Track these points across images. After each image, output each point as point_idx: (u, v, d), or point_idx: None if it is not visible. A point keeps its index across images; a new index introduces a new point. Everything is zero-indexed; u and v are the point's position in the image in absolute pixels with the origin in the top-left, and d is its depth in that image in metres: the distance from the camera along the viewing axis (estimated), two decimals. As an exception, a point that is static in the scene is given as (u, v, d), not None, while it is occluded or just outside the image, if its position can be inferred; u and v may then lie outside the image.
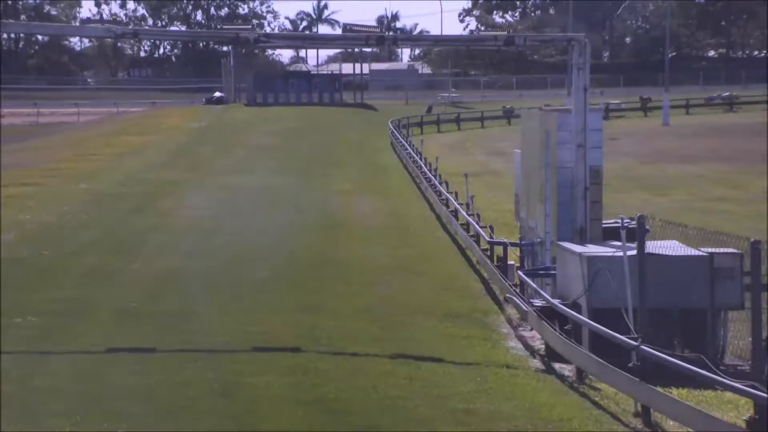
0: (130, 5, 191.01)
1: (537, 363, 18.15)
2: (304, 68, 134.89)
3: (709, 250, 18.11)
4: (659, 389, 14.12)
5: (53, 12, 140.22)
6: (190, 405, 14.15)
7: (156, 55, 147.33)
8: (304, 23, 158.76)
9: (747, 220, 34.47)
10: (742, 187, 43.98)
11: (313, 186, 42.93)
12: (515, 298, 21.01)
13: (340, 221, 33.37)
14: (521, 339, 20.09)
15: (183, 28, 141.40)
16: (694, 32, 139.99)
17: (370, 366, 16.56)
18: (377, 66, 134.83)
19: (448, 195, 35.17)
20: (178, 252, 26.96)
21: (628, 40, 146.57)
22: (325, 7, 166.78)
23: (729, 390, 13.05)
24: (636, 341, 14.79)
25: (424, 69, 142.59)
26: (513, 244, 25.59)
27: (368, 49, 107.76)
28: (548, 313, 18.64)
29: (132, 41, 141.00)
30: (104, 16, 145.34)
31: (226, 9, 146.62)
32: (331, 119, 78.43)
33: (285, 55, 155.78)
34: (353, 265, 26.18)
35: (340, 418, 13.80)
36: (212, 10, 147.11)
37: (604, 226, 21.20)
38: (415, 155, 50.14)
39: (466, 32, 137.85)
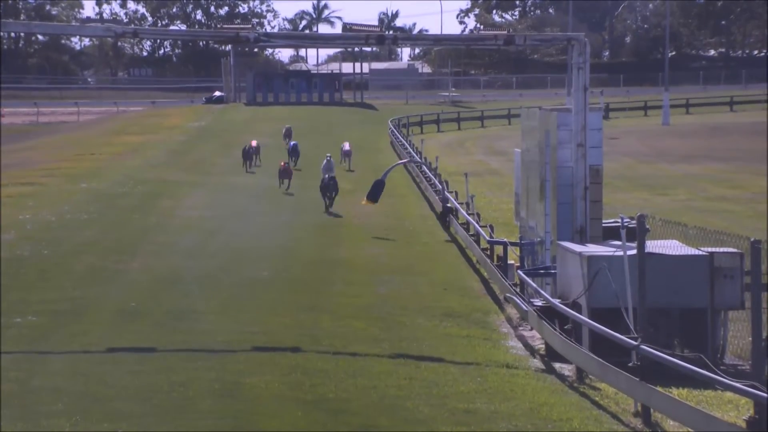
0: (131, 5, 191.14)
1: (537, 363, 18.16)
2: (304, 67, 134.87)
3: (709, 249, 18.11)
4: (659, 389, 14.12)
5: (53, 12, 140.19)
6: (190, 405, 14.15)
7: (156, 55, 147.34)
8: (304, 22, 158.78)
9: (747, 219, 34.50)
10: (742, 186, 43.99)
11: (313, 185, 42.93)
12: (515, 298, 21.02)
13: (340, 221, 33.36)
14: (521, 339, 20.10)
15: (183, 28, 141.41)
16: (694, 32, 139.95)
17: (370, 366, 16.56)
18: (377, 65, 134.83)
19: (448, 194, 35.16)
20: (178, 252, 26.97)
21: (628, 39, 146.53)
22: (326, 6, 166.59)
23: (729, 390, 13.04)
24: (636, 341, 14.79)
25: (424, 68, 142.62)
26: (513, 244, 25.60)
27: (368, 49, 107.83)
28: (548, 313, 18.65)
29: (132, 40, 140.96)
30: (105, 15, 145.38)
31: (226, 8, 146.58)
32: (330, 119, 78.44)
33: (285, 54, 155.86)
34: (353, 264, 26.18)
35: (339, 418, 13.81)
36: (212, 9, 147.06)
37: (604, 225, 21.21)
38: (415, 154, 50.14)
39: (465, 32, 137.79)
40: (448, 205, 34.16)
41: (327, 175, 36.04)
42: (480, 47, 76.67)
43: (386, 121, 71.40)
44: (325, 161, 38.47)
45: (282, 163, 41.12)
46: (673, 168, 51.84)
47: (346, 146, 50.88)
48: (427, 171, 43.17)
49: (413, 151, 51.72)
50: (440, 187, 36.48)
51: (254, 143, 48.73)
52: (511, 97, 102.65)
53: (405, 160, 46.82)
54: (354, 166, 50.16)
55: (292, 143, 50.01)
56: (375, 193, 34.15)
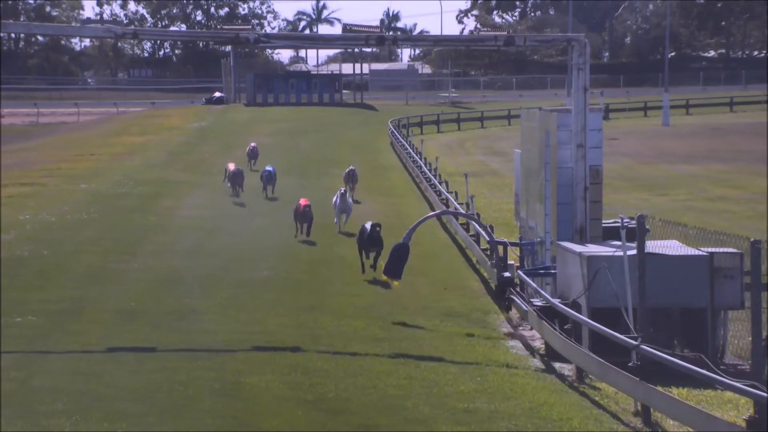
0: (131, 6, 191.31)
1: (537, 362, 18.17)
2: (304, 68, 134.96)
3: (709, 249, 18.13)
4: (659, 389, 14.13)
5: (54, 13, 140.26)
6: (190, 405, 14.15)
7: (156, 56, 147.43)
8: (303, 23, 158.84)
9: (747, 219, 34.50)
10: (742, 187, 44.00)
11: (313, 186, 42.92)
12: (515, 298, 21.02)
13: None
14: (521, 338, 20.10)
15: (183, 28, 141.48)
16: (694, 32, 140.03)
17: (370, 365, 16.57)
18: (377, 66, 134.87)
19: (448, 195, 35.17)
20: (177, 252, 26.97)
21: (628, 40, 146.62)
22: (324, 7, 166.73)
23: (729, 389, 13.05)
24: (636, 341, 14.80)
25: (424, 69, 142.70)
26: (513, 244, 25.60)
27: (368, 49, 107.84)
28: (548, 313, 18.66)
29: (132, 41, 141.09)
30: (105, 16, 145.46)
31: (226, 9, 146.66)
32: (331, 119, 78.45)
33: (285, 55, 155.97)
34: (353, 264, 26.16)
35: (339, 418, 13.81)
36: (212, 10, 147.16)
37: (604, 225, 21.23)
38: (415, 155, 50.12)
39: (465, 33, 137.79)
40: (507, 274, 21.97)
41: (368, 224, 25.05)
42: (480, 48, 76.61)
43: (386, 121, 71.38)
44: (337, 197, 31.20)
45: (302, 203, 29.66)
46: (672, 168, 51.83)
47: (353, 171, 39.65)
48: (427, 171, 42.90)
49: (413, 151, 51.62)
50: (490, 239, 23.78)
51: (232, 166, 38.17)
52: (511, 97, 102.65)
53: (440, 212, 30.94)
54: (354, 167, 50.09)
55: (267, 169, 38.31)
56: (397, 265, 21.89)
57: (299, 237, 29.35)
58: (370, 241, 24.68)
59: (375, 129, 71.76)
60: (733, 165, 52.56)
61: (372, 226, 24.90)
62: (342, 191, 31.72)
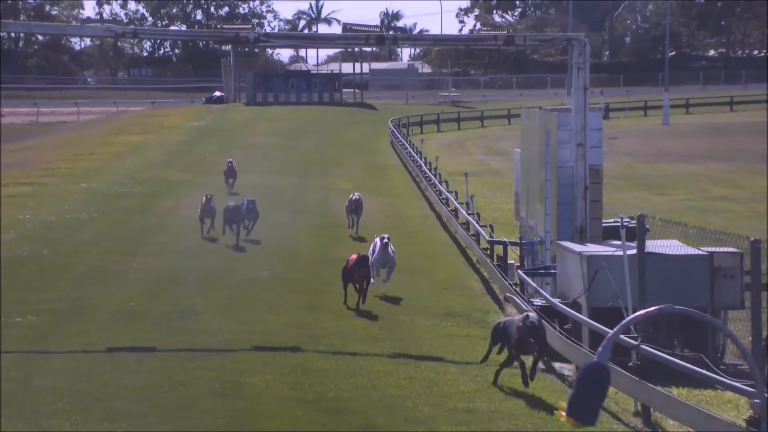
0: (131, 5, 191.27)
1: (537, 362, 18.14)
2: (304, 68, 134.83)
3: (709, 249, 18.13)
4: (659, 389, 14.13)
5: (53, 12, 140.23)
6: (190, 405, 14.16)
7: (156, 55, 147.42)
8: (303, 22, 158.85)
9: (747, 219, 34.50)
10: (742, 186, 44.00)
11: (313, 185, 42.93)
12: (515, 298, 21.02)
13: (340, 220, 33.29)
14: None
15: (183, 28, 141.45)
16: (694, 32, 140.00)
17: (369, 365, 16.58)
18: (377, 65, 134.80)
19: (448, 194, 35.17)
20: (177, 252, 26.97)
21: (627, 39, 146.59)
22: (322, 6, 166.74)
23: (729, 389, 13.04)
24: (636, 341, 14.79)
25: (424, 68, 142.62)
26: (513, 244, 25.61)
27: (368, 49, 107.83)
28: (548, 313, 18.65)
29: (132, 41, 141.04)
30: (105, 15, 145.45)
31: (226, 8, 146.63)
32: (330, 119, 78.42)
33: (285, 54, 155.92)
34: (353, 264, 26.16)
35: (339, 418, 13.81)
36: (212, 9, 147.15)
37: (604, 225, 21.23)
38: (415, 154, 50.10)
39: (464, 32, 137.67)
40: None
41: (518, 320, 15.79)
42: (480, 47, 76.66)
43: (386, 121, 71.37)
44: (375, 246, 22.95)
45: (353, 258, 21.25)
46: (672, 168, 51.83)
47: (359, 201, 31.19)
48: (427, 170, 42.82)
49: (413, 150, 51.57)
50: None
51: (208, 197, 29.25)
52: (511, 97, 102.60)
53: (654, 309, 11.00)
54: (354, 166, 50.10)
55: (246, 200, 28.78)
56: (591, 399, 10.12)
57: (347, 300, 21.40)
58: (522, 344, 15.59)
59: (375, 128, 71.72)
60: (733, 164, 52.56)
61: (528, 326, 15.38)
62: (384, 239, 23.11)
